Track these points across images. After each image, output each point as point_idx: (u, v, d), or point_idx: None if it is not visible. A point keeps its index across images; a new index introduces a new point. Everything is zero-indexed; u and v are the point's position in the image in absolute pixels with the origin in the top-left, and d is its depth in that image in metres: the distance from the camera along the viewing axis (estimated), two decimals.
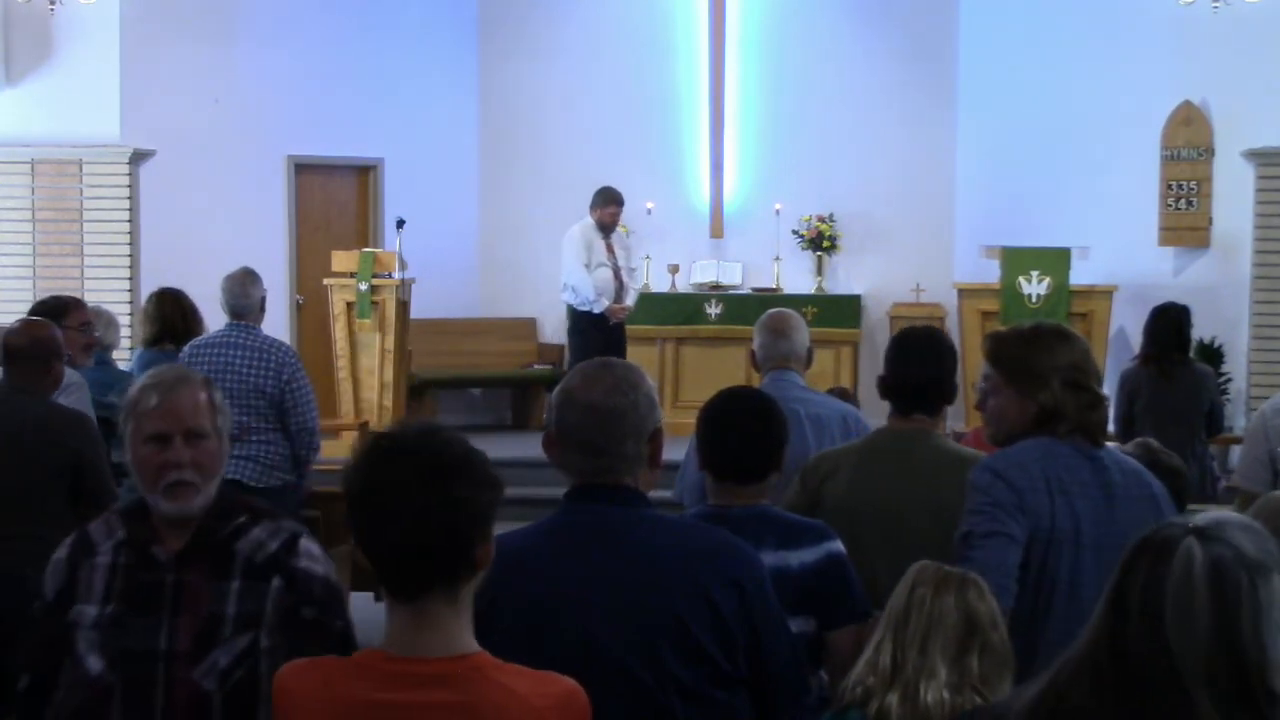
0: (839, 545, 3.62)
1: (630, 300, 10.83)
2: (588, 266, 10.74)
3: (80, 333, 6.66)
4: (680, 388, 12.31)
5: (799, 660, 3.05)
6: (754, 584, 2.89)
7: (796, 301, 11.89)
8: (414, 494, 2.24)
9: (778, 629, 2.96)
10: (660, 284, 12.87)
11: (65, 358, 5.81)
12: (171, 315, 7.80)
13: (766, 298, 12.10)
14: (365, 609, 8.91)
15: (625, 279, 10.81)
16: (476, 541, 2.30)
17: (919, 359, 4.28)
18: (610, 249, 10.82)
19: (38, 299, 7.21)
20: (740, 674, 2.87)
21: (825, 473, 4.19)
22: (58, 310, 6.59)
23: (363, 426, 10.53)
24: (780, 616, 2.99)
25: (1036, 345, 3.57)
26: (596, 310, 10.68)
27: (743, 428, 3.63)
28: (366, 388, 11.51)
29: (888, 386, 4.27)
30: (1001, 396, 3.59)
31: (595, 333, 10.58)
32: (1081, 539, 3.43)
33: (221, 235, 11.54)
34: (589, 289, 10.68)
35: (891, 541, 3.72)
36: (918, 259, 12.62)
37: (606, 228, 10.83)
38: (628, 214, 12.05)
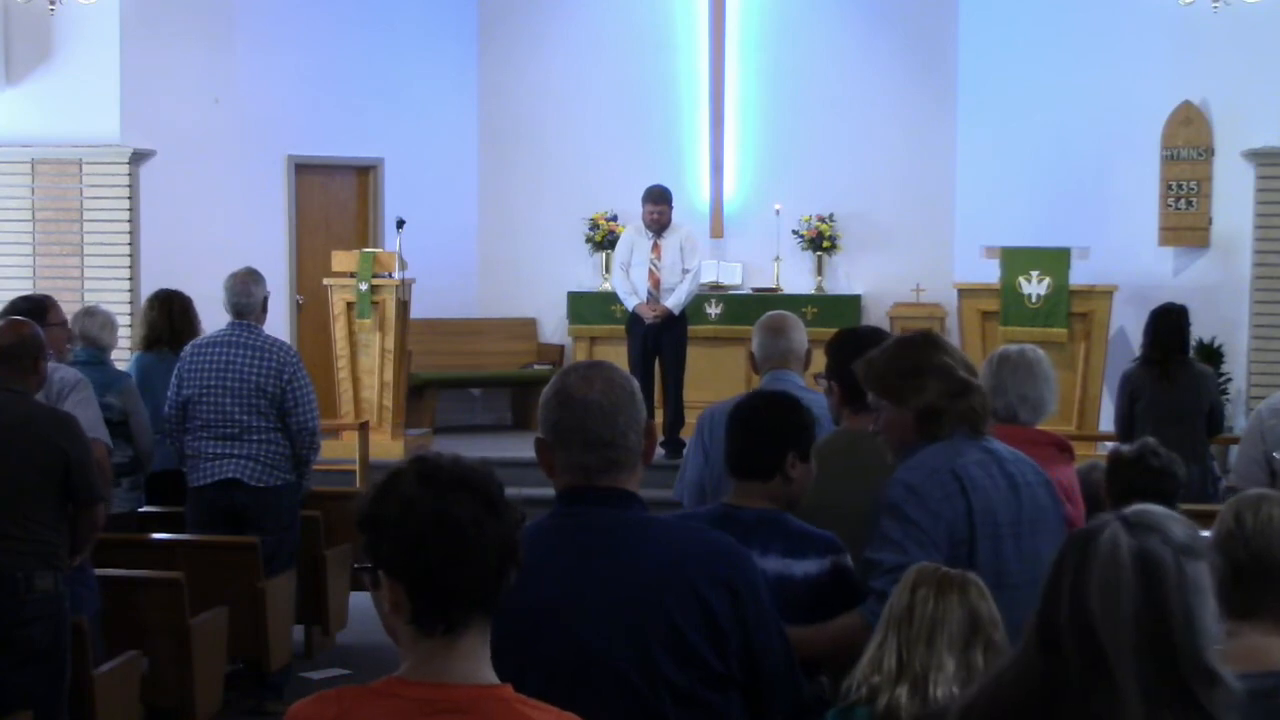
0: (848, 559, 3.62)
1: (670, 301, 10.75)
2: (626, 266, 10.88)
3: (61, 330, 6.67)
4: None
5: (793, 663, 3.04)
6: (746, 585, 2.89)
7: (796, 302, 11.91)
8: (483, 527, 2.18)
9: (771, 631, 2.95)
10: None
11: (50, 356, 5.81)
12: (158, 321, 7.81)
13: (766, 298, 12.11)
14: (366, 609, 8.95)
15: (663, 279, 10.78)
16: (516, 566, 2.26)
17: None
18: (657, 249, 10.84)
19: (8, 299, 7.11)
20: (733, 676, 2.86)
21: None
22: (40, 309, 6.58)
23: (363, 426, 10.53)
24: (775, 618, 2.98)
25: (897, 356, 3.71)
26: (628, 308, 10.88)
27: (753, 423, 3.70)
28: (366, 388, 11.52)
29: (851, 385, 4.12)
30: (885, 413, 3.71)
31: (637, 330, 10.80)
32: (1000, 529, 3.54)
33: (221, 235, 11.55)
34: (620, 288, 10.93)
35: (861, 540, 3.71)
36: (918, 259, 12.62)
37: (651, 226, 10.87)
38: (629, 213, 12.07)
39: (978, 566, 3.45)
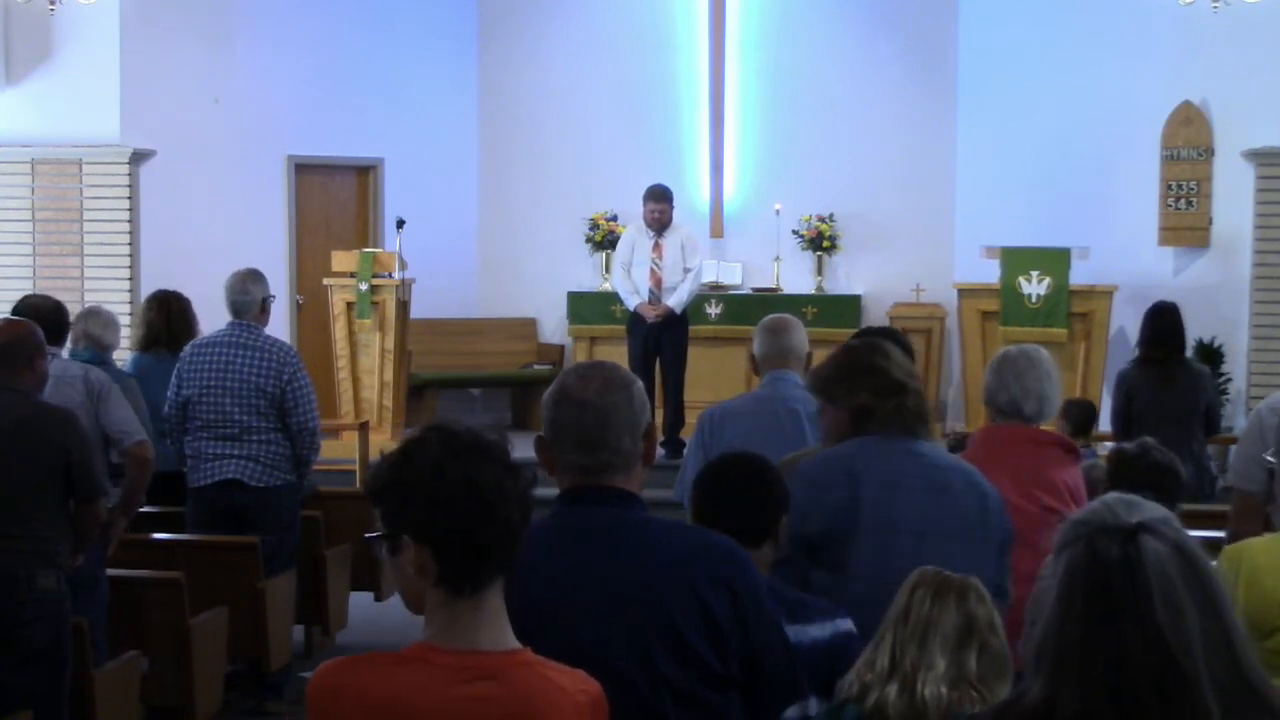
0: (850, 624, 3.44)
1: (673, 301, 10.74)
2: (627, 265, 10.87)
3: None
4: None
5: (793, 663, 3.03)
6: (746, 585, 2.89)
7: (796, 302, 11.91)
8: (504, 488, 2.31)
9: (771, 630, 2.95)
10: None
11: (49, 355, 5.80)
12: (156, 322, 7.82)
13: (766, 298, 12.11)
14: (366, 609, 8.97)
15: (665, 278, 10.77)
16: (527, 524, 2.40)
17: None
18: (658, 248, 10.83)
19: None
20: (733, 676, 2.86)
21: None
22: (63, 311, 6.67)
23: (363, 427, 10.53)
24: (774, 619, 2.98)
25: (835, 362, 3.92)
26: (629, 308, 10.87)
27: (742, 498, 3.44)
28: (366, 388, 11.52)
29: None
30: (827, 414, 3.91)
31: (638, 330, 10.80)
32: (896, 525, 3.63)
33: (221, 235, 11.56)
34: (622, 287, 10.92)
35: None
36: (918, 259, 12.61)
37: (652, 226, 10.86)
38: (629, 213, 12.07)
39: (853, 558, 3.59)
